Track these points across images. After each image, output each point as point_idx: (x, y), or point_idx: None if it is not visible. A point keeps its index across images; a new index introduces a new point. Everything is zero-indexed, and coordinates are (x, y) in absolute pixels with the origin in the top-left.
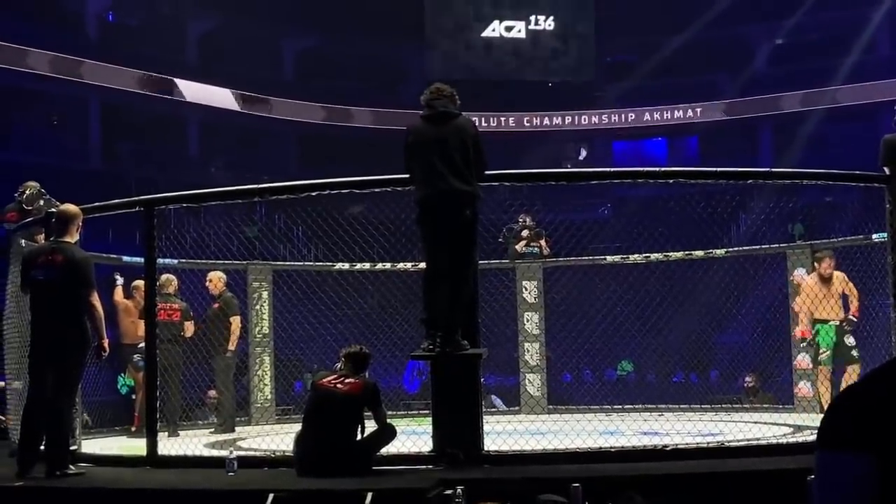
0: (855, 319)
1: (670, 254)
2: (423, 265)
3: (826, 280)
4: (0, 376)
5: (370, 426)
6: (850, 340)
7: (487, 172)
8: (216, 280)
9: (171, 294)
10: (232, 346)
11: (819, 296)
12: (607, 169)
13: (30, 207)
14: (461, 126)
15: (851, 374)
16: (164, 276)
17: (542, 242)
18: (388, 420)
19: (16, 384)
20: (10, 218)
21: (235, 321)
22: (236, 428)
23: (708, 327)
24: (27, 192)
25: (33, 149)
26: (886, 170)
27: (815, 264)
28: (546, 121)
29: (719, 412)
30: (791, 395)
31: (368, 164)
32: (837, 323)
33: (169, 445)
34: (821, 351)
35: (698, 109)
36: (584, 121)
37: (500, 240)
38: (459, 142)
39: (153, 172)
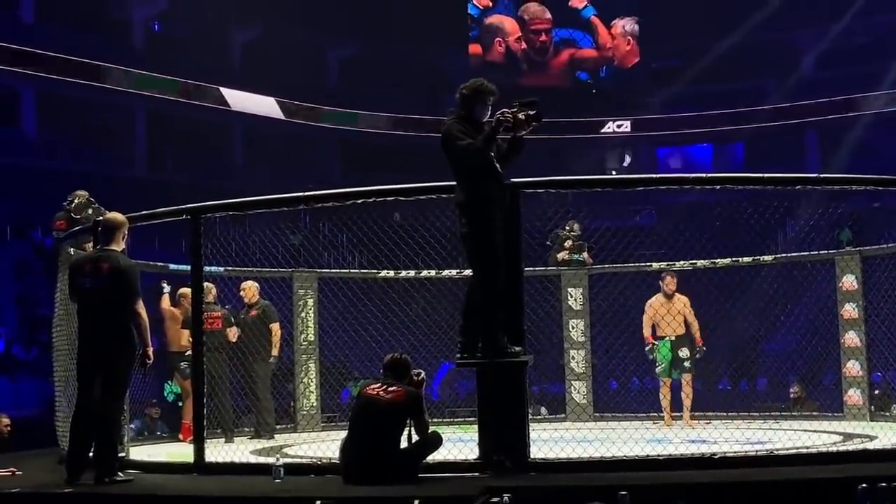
0: (701, 348)
1: (717, 260)
2: (467, 272)
3: (669, 297)
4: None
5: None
6: (683, 353)
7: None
8: (249, 289)
9: (211, 302)
10: (275, 353)
11: (661, 312)
12: (654, 175)
13: (78, 216)
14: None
15: (687, 384)
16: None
17: (585, 254)
18: (432, 429)
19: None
20: (59, 226)
21: (276, 328)
22: (282, 435)
23: (756, 334)
24: (76, 200)
25: (81, 158)
26: None
27: (661, 282)
28: (591, 127)
29: (768, 420)
30: (840, 402)
31: (412, 171)
32: (673, 338)
33: (216, 452)
34: (657, 365)
35: (744, 115)
36: (629, 127)
37: (547, 242)
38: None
39: (198, 180)
